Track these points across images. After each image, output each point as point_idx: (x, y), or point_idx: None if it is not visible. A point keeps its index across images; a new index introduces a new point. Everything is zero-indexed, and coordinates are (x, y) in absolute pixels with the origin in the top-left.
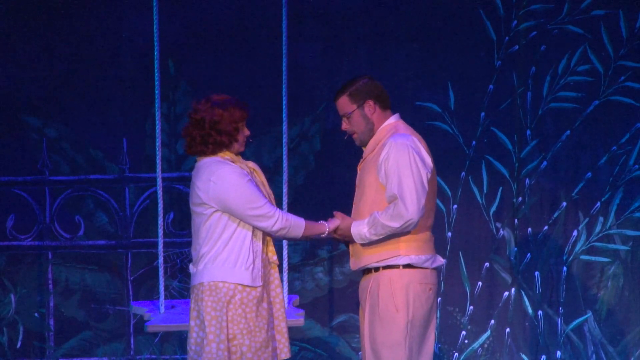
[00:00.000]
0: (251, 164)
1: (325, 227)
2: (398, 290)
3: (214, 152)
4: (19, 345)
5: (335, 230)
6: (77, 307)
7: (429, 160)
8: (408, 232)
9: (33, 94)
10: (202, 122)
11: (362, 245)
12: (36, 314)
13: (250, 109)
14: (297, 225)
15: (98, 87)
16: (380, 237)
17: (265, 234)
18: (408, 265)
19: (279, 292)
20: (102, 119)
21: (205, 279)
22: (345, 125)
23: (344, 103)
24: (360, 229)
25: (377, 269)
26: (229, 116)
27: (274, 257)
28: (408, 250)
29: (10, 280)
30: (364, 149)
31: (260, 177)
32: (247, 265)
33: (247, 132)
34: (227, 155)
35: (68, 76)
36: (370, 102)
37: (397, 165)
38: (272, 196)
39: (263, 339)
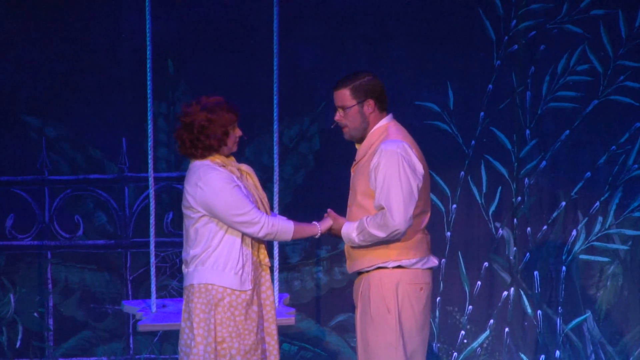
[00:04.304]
0: (244, 167)
1: (317, 229)
2: (388, 290)
3: (203, 156)
4: (18, 344)
5: (328, 230)
6: (77, 307)
7: (420, 167)
8: (397, 240)
9: (33, 94)
10: (190, 126)
11: (353, 248)
12: (35, 314)
13: (246, 108)
14: (284, 230)
15: (97, 86)
16: (368, 243)
17: (254, 238)
18: (398, 266)
19: (270, 295)
20: (101, 118)
21: (195, 280)
22: (339, 117)
23: (344, 96)
24: (350, 232)
25: (368, 270)
26: (218, 120)
27: (266, 260)
28: (399, 255)
29: (10, 280)
30: (357, 146)
31: (254, 180)
32: (236, 270)
33: (238, 133)
34: (217, 158)
35: (68, 76)
36: (371, 102)
37: (385, 174)
38: (265, 199)
39: (252, 342)
